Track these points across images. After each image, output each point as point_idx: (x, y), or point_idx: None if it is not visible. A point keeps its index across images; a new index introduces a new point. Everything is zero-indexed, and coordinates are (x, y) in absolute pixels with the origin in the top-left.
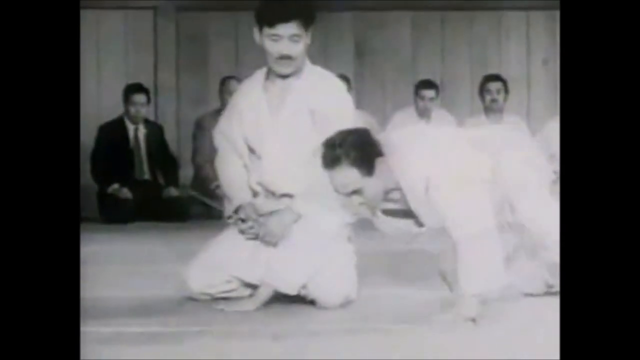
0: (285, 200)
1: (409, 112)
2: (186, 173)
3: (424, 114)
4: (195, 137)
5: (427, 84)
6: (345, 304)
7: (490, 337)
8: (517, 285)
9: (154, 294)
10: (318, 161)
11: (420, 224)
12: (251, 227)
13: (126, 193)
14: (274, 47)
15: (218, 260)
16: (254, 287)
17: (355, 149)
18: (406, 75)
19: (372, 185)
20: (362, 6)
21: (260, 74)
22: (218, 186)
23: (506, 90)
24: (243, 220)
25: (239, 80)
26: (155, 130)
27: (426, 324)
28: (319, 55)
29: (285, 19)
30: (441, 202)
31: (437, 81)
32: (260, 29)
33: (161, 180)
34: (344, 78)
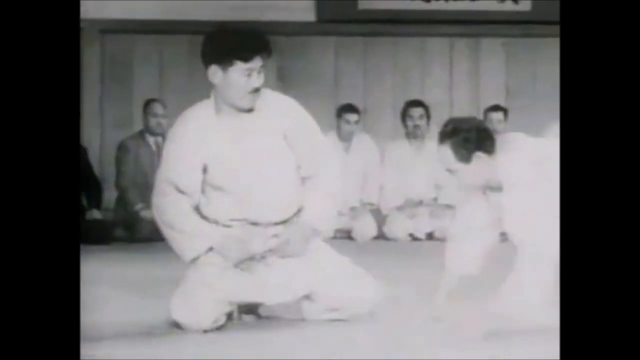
0: (276, 228)
1: (331, 136)
2: (109, 196)
3: (346, 138)
4: (118, 160)
5: (350, 108)
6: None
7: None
8: None
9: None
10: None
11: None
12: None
13: None
14: (246, 82)
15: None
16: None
17: (462, 132)
18: (329, 99)
19: (466, 172)
20: (285, 31)
21: (206, 108)
22: (142, 209)
23: (428, 116)
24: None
25: (164, 103)
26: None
27: None
28: None
29: (258, 51)
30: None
31: (360, 106)
32: (228, 66)
33: (84, 203)
34: None
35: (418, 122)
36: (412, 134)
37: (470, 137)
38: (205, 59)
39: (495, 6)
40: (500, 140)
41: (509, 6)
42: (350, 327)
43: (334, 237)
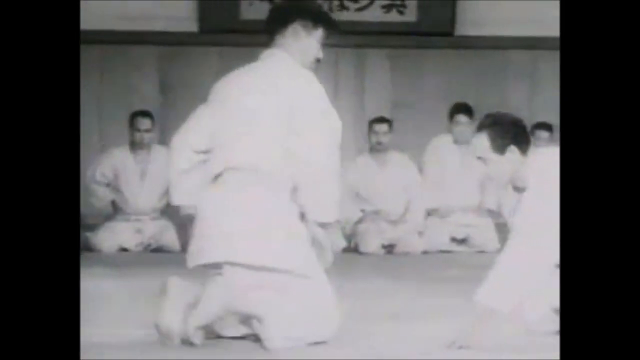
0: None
1: None
2: None
3: None
4: None
5: None
6: None
7: None
8: None
9: None
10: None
11: None
12: None
13: None
14: (318, 51)
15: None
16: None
17: (502, 124)
18: None
19: (497, 163)
20: (167, 41)
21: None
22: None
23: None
24: None
25: None
26: None
27: None
28: (123, 91)
29: (333, 28)
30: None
31: None
32: (313, 29)
33: None
34: None
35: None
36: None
37: (509, 130)
38: (285, 16)
39: (381, 17)
40: (534, 147)
41: (394, 17)
42: None
43: None
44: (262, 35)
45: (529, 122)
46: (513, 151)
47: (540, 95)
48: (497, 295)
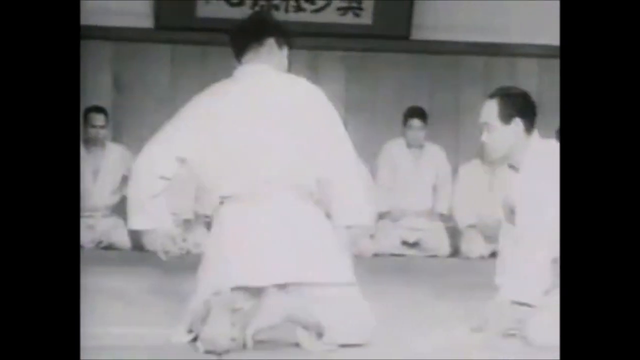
0: None
1: None
2: None
3: None
4: None
5: None
6: None
7: None
8: None
9: None
10: None
11: None
12: None
13: None
14: (286, 66)
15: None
16: None
17: (510, 96)
18: (164, 108)
19: (500, 132)
20: (121, 37)
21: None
22: None
23: None
24: None
25: None
26: None
27: None
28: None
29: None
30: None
31: None
32: (283, 46)
33: None
34: None
35: None
36: None
37: (518, 103)
38: (262, 31)
39: (337, 19)
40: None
41: (350, 20)
42: None
43: None
44: (217, 33)
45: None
46: (518, 124)
47: None
48: (525, 289)
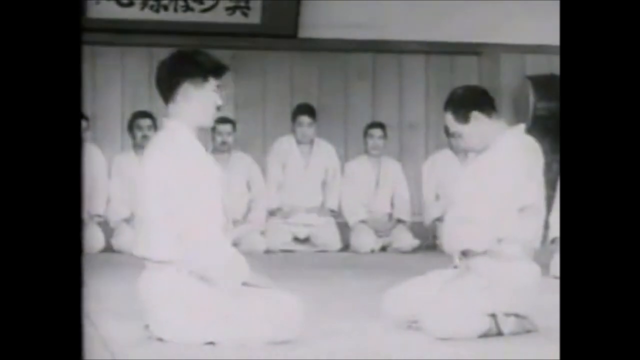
0: None
1: None
2: None
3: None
4: None
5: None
6: None
7: None
8: None
9: None
10: None
11: None
12: None
13: None
14: (216, 98)
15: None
16: None
17: (456, 98)
18: None
19: (467, 134)
20: None
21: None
22: None
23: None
24: None
25: None
26: None
27: None
28: None
29: (222, 69)
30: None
31: (88, 114)
32: (203, 82)
33: None
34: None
35: (147, 132)
36: (139, 145)
37: (467, 96)
38: (172, 79)
39: (225, 18)
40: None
41: (239, 19)
42: None
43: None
44: (108, 34)
45: (369, 122)
46: (477, 117)
47: (380, 96)
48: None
